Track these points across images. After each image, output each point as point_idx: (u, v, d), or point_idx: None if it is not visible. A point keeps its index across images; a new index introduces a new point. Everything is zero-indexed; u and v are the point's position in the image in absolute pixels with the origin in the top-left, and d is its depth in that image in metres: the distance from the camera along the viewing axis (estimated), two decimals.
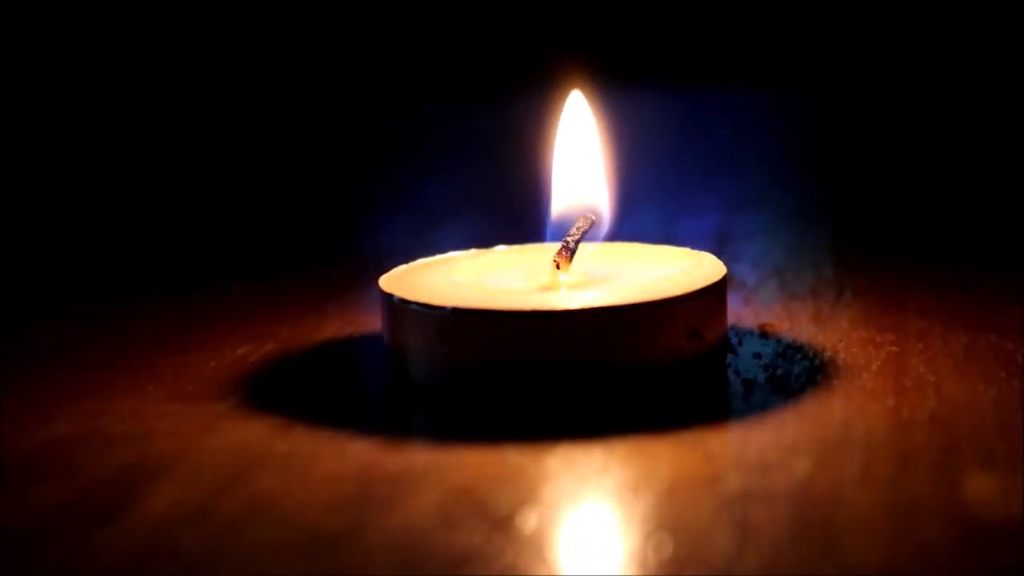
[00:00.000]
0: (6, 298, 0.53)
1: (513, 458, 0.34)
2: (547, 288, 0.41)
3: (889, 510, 0.31)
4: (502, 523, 0.31)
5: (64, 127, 0.84)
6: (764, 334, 0.44)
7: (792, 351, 0.42)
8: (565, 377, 0.37)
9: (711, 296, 0.39)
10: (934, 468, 0.33)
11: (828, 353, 0.41)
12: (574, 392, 0.37)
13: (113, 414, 0.39)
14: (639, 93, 0.93)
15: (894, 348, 0.42)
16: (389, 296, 0.39)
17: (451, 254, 0.44)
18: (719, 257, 0.42)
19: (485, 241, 0.46)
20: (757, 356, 0.41)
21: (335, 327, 0.46)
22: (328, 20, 1.00)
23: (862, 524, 0.30)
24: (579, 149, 0.45)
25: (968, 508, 0.31)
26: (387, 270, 0.42)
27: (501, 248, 0.45)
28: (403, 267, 0.42)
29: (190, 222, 0.67)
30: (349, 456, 0.35)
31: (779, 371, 0.40)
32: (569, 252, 0.42)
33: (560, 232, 0.43)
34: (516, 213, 0.63)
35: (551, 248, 0.43)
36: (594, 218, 0.43)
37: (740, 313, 0.46)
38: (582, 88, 0.46)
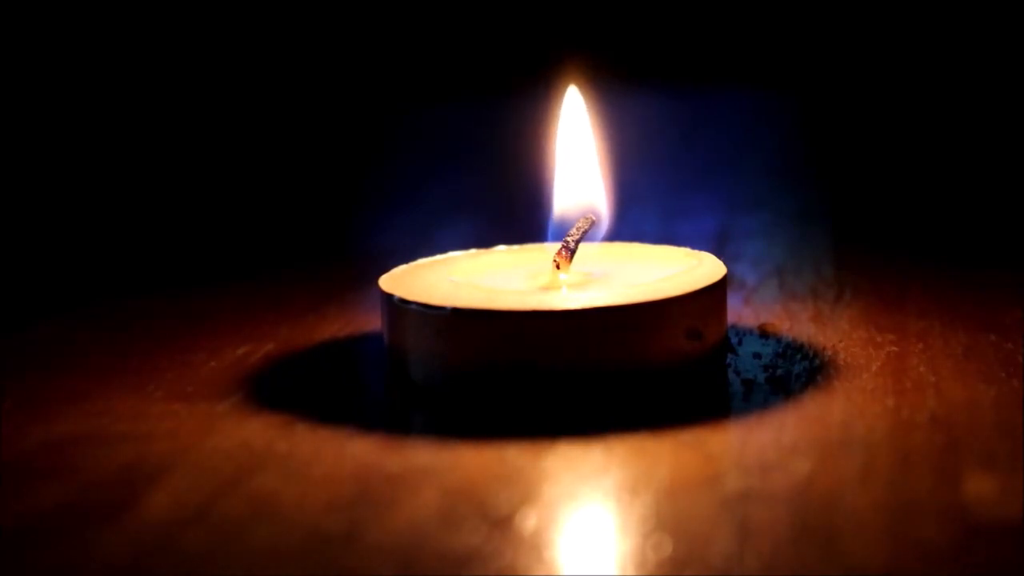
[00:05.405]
0: (7, 298, 0.53)
1: (513, 458, 0.34)
2: (547, 288, 0.41)
3: (889, 510, 0.31)
4: (502, 523, 0.31)
5: (65, 128, 0.84)
6: (764, 334, 0.44)
7: (792, 351, 0.42)
8: (565, 377, 0.37)
9: (711, 296, 0.39)
10: (934, 468, 0.33)
11: (828, 353, 0.41)
12: (574, 392, 0.37)
13: (113, 414, 0.39)
14: (639, 93, 0.93)
15: (894, 348, 0.42)
16: (389, 296, 0.39)
17: (451, 254, 0.44)
18: (719, 257, 0.42)
19: (485, 241, 0.46)
20: (757, 356, 0.41)
21: (335, 327, 0.46)
22: (329, 19, 1.00)
23: (862, 524, 0.30)
24: (577, 147, 0.45)
25: (968, 508, 0.31)
26: (387, 270, 0.42)
27: (501, 248, 0.45)
28: (403, 267, 0.42)
29: (190, 222, 0.67)
30: (349, 456, 0.35)
31: (779, 371, 0.40)
32: (569, 252, 0.42)
33: (560, 232, 0.43)
34: (516, 213, 0.63)
35: (551, 248, 0.43)
36: (594, 218, 0.43)
37: (740, 313, 0.46)
38: (581, 86, 0.46)
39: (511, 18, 1.01)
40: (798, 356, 0.41)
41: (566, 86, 0.46)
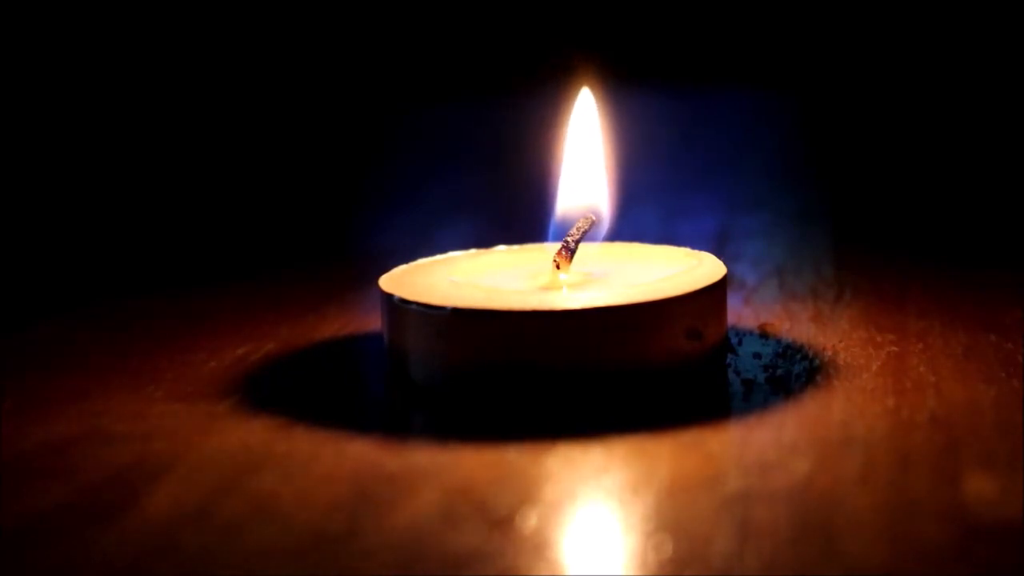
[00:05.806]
0: (7, 298, 0.53)
1: (513, 458, 0.34)
2: (547, 288, 0.41)
3: (889, 510, 0.31)
4: (502, 523, 0.31)
5: (65, 128, 0.84)
6: (764, 334, 0.44)
7: (792, 351, 0.42)
8: (565, 377, 0.37)
9: (711, 296, 0.39)
10: (934, 468, 0.33)
11: (828, 353, 0.41)
12: (574, 392, 0.37)
13: (113, 414, 0.39)
14: (639, 93, 0.93)
15: (894, 348, 0.42)
16: (389, 296, 0.39)
17: (451, 254, 0.44)
18: (719, 257, 0.42)
19: (485, 241, 0.46)
20: (757, 356, 0.41)
21: (335, 327, 0.46)
22: (330, 19, 1.00)
23: (862, 524, 0.30)
24: (585, 148, 0.45)
25: (968, 508, 0.31)
26: (387, 270, 0.42)
27: (501, 248, 0.45)
28: (403, 267, 0.42)
29: (190, 222, 0.67)
30: (349, 456, 0.35)
31: (779, 371, 0.40)
32: (569, 252, 0.42)
33: (561, 232, 0.43)
34: (516, 213, 0.63)
35: (551, 248, 0.43)
36: (594, 218, 0.43)
37: (740, 313, 0.46)
38: (587, 87, 0.46)
39: (511, 18, 1.00)
40: (798, 356, 0.41)
41: (566, 86, 0.46)
